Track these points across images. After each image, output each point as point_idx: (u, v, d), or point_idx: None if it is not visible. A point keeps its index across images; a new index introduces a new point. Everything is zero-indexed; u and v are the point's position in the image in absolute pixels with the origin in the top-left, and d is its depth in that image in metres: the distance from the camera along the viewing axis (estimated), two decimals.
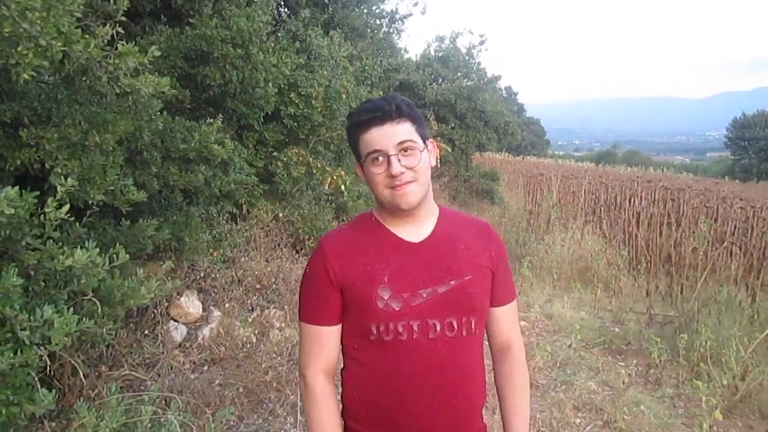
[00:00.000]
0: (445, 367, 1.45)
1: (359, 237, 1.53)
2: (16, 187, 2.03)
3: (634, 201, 10.46)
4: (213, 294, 4.65)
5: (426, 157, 1.47)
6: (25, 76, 1.85)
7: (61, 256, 2.32)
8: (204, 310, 4.49)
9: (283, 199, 6.42)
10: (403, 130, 1.43)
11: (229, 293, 4.72)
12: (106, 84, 2.30)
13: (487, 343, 1.65)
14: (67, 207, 2.31)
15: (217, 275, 4.73)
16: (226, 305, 4.64)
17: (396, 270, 1.46)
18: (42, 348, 2.04)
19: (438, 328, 1.44)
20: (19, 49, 1.82)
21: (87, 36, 2.09)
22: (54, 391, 2.76)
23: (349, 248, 1.50)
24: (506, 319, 1.64)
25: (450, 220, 1.59)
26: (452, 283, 1.47)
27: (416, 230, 1.52)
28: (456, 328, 1.46)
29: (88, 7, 2.51)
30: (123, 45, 2.31)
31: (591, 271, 7.40)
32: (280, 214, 6.19)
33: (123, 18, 2.62)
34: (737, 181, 38.18)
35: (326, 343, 1.51)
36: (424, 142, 1.48)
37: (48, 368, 2.76)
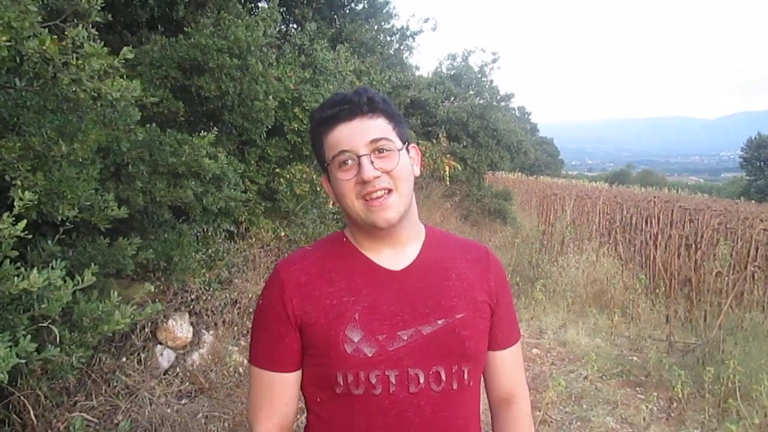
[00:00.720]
0: (430, 430, 1.15)
1: (325, 262, 1.23)
2: None
3: (651, 222, 10.12)
4: (205, 317, 4.39)
5: (407, 160, 1.18)
6: None
7: (16, 278, 2.08)
8: (194, 334, 4.23)
9: (286, 218, 6.18)
10: (377, 126, 1.15)
11: (222, 316, 4.46)
12: (67, 87, 2.06)
13: (484, 393, 1.34)
14: (23, 223, 2.07)
15: (211, 297, 4.47)
16: (219, 329, 4.38)
17: (370, 305, 1.16)
18: None
19: (421, 380, 1.14)
20: None
21: (43, 32, 1.87)
22: (8, 428, 2.53)
23: (313, 276, 1.20)
24: (509, 365, 1.33)
25: (439, 243, 1.29)
26: (440, 322, 1.17)
27: (397, 255, 1.23)
28: (444, 379, 1.16)
29: (55, 3, 2.30)
30: (90, 45, 2.08)
31: (607, 295, 7.09)
32: (282, 233, 5.95)
33: (98, 19, 2.42)
34: (753, 201, 37.56)
35: (280, 393, 1.22)
36: (405, 144, 1.20)
37: (8, 401, 2.52)
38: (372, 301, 1.17)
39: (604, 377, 4.89)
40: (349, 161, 1.14)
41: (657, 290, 7.43)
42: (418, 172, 1.24)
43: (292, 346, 1.19)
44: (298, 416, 3.38)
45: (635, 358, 5.47)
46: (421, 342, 1.15)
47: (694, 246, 8.11)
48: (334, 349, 1.14)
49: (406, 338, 1.15)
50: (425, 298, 1.19)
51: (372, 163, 1.12)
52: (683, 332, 6.14)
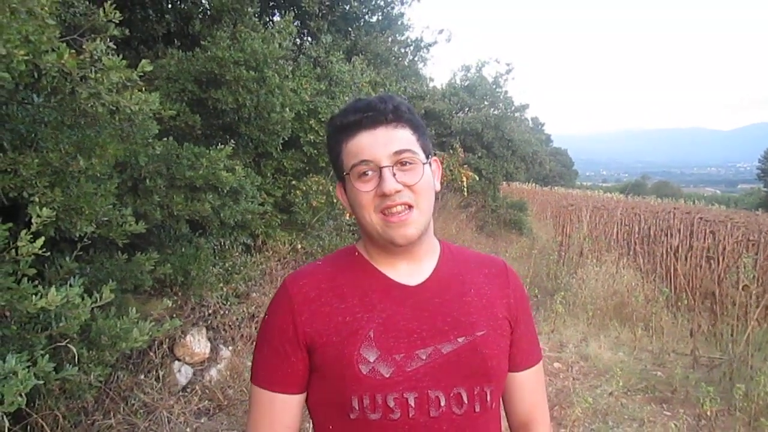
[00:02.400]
0: None
1: (336, 277, 1.14)
2: None
3: (671, 233, 9.96)
4: (222, 332, 4.34)
5: (429, 174, 1.11)
6: None
7: (34, 297, 2.04)
8: (212, 349, 4.18)
9: (302, 230, 6.14)
10: (402, 137, 1.08)
11: (239, 331, 4.41)
12: (85, 101, 2.03)
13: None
14: (41, 240, 2.04)
15: (228, 311, 4.43)
16: (237, 344, 4.33)
17: (385, 322, 1.08)
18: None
19: (442, 403, 1.05)
20: None
21: (61, 46, 1.83)
22: None
23: (323, 291, 1.12)
24: (529, 389, 1.24)
25: (455, 258, 1.21)
26: (461, 340, 1.09)
27: (412, 270, 1.15)
28: (466, 401, 1.07)
29: (73, 18, 2.27)
30: (109, 59, 2.05)
31: (628, 308, 6.95)
32: (299, 246, 5.91)
33: (115, 33, 2.39)
34: None
35: (281, 416, 1.12)
36: (428, 157, 1.13)
37: (26, 423, 2.48)
38: (387, 318, 1.08)
39: (628, 393, 4.76)
40: (370, 172, 1.07)
41: (679, 303, 7.27)
42: (438, 187, 1.17)
43: (297, 366, 1.11)
44: None
45: (659, 373, 5.33)
46: (441, 362, 1.07)
47: (716, 258, 7.95)
48: (348, 369, 1.05)
49: (424, 357, 1.06)
50: (444, 315, 1.11)
51: (394, 175, 1.05)
52: (707, 346, 5.98)
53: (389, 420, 1.04)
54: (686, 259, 8.34)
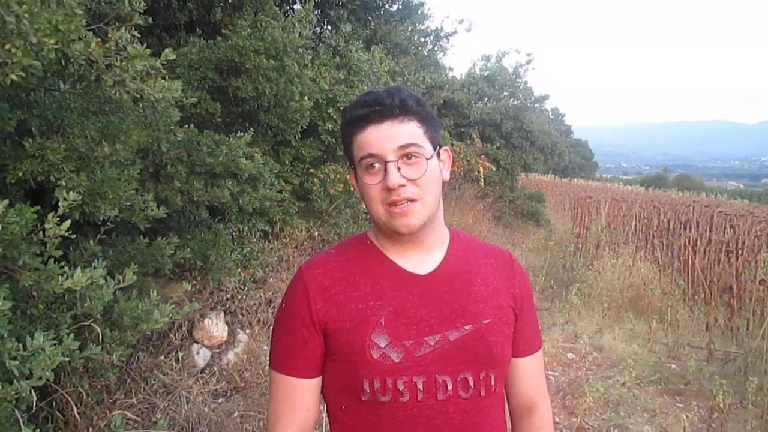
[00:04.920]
0: None
1: (349, 265, 1.20)
2: (5, 201, 1.83)
3: (689, 227, 9.87)
4: (240, 316, 4.42)
5: (435, 167, 1.15)
6: (13, 77, 1.65)
7: (60, 277, 2.11)
8: (230, 333, 4.27)
9: (320, 218, 6.20)
10: (407, 131, 1.12)
11: (257, 315, 4.49)
12: (111, 88, 2.09)
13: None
14: (68, 223, 2.11)
15: (245, 296, 4.51)
16: (254, 328, 4.41)
17: (395, 310, 1.13)
18: (24, 381, 1.81)
19: (450, 387, 1.11)
20: (6, 47, 1.62)
21: (88, 35, 1.89)
22: (52, 425, 2.57)
23: (337, 280, 1.17)
24: (530, 373, 1.29)
25: (464, 247, 1.26)
26: (467, 328, 1.14)
27: (422, 259, 1.19)
28: (472, 386, 1.13)
29: (99, 7, 2.33)
30: (133, 47, 2.11)
31: (644, 301, 6.93)
32: (316, 233, 5.97)
33: (140, 22, 2.45)
34: None
35: (300, 400, 1.18)
36: (437, 149, 1.16)
37: (51, 398, 2.57)
38: (397, 306, 1.14)
39: (641, 384, 4.77)
40: (376, 165, 1.11)
41: (696, 297, 7.24)
42: (447, 177, 1.21)
43: (315, 351, 1.17)
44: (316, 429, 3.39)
45: (673, 366, 5.33)
46: (449, 348, 1.13)
47: (735, 252, 7.88)
48: (360, 354, 1.11)
49: (433, 344, 1.12)
50: (451, 303, 1.16)
51: (399, 170, 1.09)
52: (723, 341, 5.96)
53: (399, 402, 1.10)
54: (704, 252, 8.28)
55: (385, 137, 1.10)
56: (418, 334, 1.12)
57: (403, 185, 1.09)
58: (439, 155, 1.17)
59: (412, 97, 1.14)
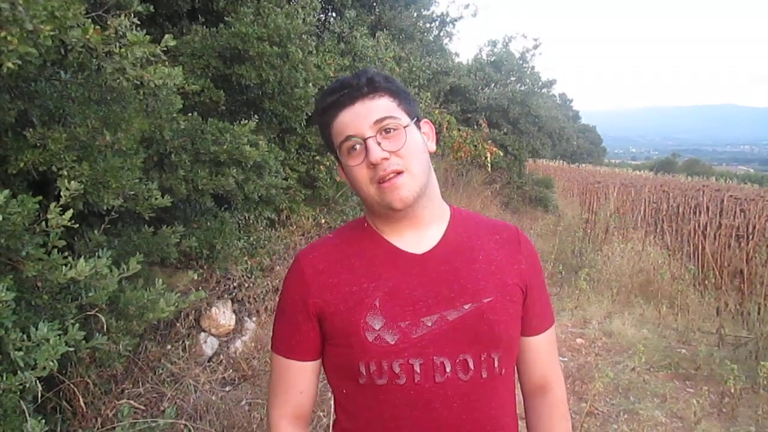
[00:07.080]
0: (459, 422, 1.09)
1: (345, 248, 1.19)
2: (7, 192, 1.82)
3: (699, 211, 9.79)
4: (247, 304, 4.42)
5: (416, 137, 1.13)
6: (10, 65, 1.62)
7: (63, 267, 2.11)
8: (237, 321, 4.27)
9: (326, 205, 6.19)
10: (381, 106, 1.10)
11: (264, 303, 4.49)
12: (111, 75, 2.07)
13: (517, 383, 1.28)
14: (70, 213, 2.10)
15: (252, 284, 4.50)
16: (262, 316, 4.41)
17: (391, 291, 1.11)
18: (29, 372, 1.80)
19: (448, 369, 1.08)
20: (1, 34, 1.60)
21: (86, 22, 1.87)
22: (60, 415, 2.58)
23: (331, 263, 1.16)
24: (543, 351, 1.25)
25: (465, 224, 1.22)
26: (467, 307, 1.10)
27: (419, 238, 1.17)
28: (472, 368, 1.09)
29: None
30: (133, 34, 2.08)
31: (653, 285, 6.90)
32: (323, 221, 5.96)
33: (140, 9, 2.42)
34: None
35: (296, 381, 1.19)
36: (414, 120, 1.14)
37: (59, 389, 2.57)
38: (393, 287, 1.12)
39: (651, 369, 4.75)
40: (357, 146, 1.09)
41: (706, 281, 7.19)
42: (433, 148, 1.19)
43: (309, 335, 1.17)
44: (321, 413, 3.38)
45: (684, 351, 5.30)
46: (447, 328, 1.09)
47: (745, 237, 7.81)
48: (354, 337, 1.10)
49: (430, 324, 1.09)
50: (450, 282, 1.12)
51: (379, 144, 1.08)
52: (734, 325, 5.92)
53: (395, 385, 1.08)
54: (715, 237, 8.21)
55: (360, 116, 1.09)
56: (415, 314, 1.10)
57: (386, 158, 1.07)
58: (419, 127, 1.16)
59: (379, 75, 1.13)
